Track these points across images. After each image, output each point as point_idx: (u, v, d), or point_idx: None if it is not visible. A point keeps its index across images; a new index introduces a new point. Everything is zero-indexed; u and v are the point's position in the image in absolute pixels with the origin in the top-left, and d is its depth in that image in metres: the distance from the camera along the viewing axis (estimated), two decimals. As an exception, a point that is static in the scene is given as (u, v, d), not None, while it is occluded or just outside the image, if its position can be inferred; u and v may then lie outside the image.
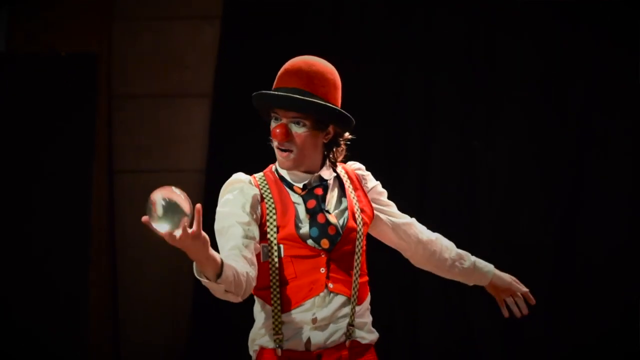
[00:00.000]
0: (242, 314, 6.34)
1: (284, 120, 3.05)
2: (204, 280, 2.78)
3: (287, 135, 3.04)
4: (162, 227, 2.62)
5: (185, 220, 2.62)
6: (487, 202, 6.08)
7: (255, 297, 3.10)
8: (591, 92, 5.99)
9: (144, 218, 2.61)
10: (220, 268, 2.75)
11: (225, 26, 6.37)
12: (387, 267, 5.78)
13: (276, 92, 3.05)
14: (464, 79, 6.10)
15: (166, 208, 2.61)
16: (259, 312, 3.09)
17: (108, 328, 6.40)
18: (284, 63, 3.20)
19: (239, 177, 3.10)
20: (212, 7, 6.41)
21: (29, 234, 6.16)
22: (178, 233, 2.62)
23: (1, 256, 6.09)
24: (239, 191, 3.05)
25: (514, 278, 3.45)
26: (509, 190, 6.07)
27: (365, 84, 6.12)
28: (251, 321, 3.13)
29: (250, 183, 3.08)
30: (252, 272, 2.92)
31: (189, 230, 2.63)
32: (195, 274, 2.77)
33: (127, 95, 6.49)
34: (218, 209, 3.05)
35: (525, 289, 3.44)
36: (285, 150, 3.06)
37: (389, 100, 6.17)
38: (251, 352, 3.12)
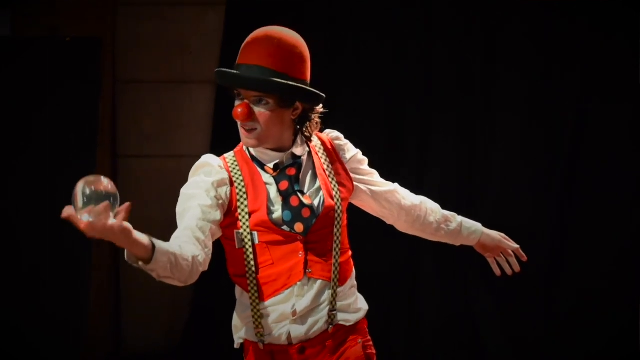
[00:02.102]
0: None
1: (245, 99, 2.87)
2: (137, 265, 2.58)
3: (249, 115, 2.85)
4: (83, 217, 2.40)
5: (105, 208, 2.41)
6: (483, 196, 6.10)
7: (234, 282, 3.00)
8: (590, 90, 6.00)
9: (65, 214, 2.39)
10: (151, 253, 2.55)
11: (230, 12, 6.37)
12: (382, 245, 5.80)
13: (236, 73, 2.87)
14: (462, 68, 6.11)
15: (89, 197, 2.41)
16: (239, 299, 2.97)
17: (107, 323, 6.42)
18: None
19: (209, 160, 2.92)
20: (217, -7, 6.42)
21: (30, 219, 6.15)
22: (99, 221, 2.39)
23: (1, 244, 6.10)
24: (205, 174, 2.88)
25: (503, 235, 3.31)
26: (505, 184, 6.08)
27: (364, 71, 6.13)
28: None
29: (220, 167, 2.90)
30: (202, 255, 2.74)
31: (108, 224, 2.40)
32: (126, 259, 2.58)
33: (131, 81, 6.50)
34: (182, 190, 2.88)
35: (515, 246, 3.31)
36: (249, 130, 2.87)
37: (387, 88, 6.17)
38: (235, 339, 3.00)
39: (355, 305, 3.01)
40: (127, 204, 2.44)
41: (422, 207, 3.20)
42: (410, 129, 6.14)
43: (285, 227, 2.88)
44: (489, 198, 6.08)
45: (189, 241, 2.73)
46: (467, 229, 3.25)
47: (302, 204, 2.89)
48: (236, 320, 2.99)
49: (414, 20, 6.13)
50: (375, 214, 3.19)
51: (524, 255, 3.31)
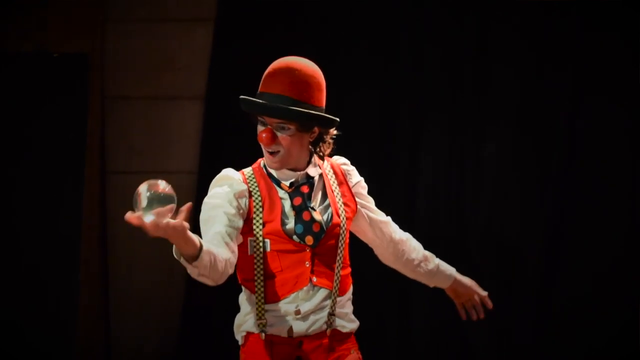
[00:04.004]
0: (232, 314, 6.33)
1: (269, 125, 3.18)
2: (181, 261, 2.90)
3: (273, 139, 3.17)
4: (147, 217, 2.70)
5: (170, 210, 2.72)
6: (477, 197, 6.08)
7: (242, 286, 3.27)
8: (589, 91, 5.99)
9: (128, 215, 2.73)
10: (198, 251, 2.88)
11: (218, 28, 6.37)
12: (372, 253, 5.79)
13: (260, 101, 3.18)
14: (454, 72, 6.10)
15: (151, 199, 2.70)
16: (245, 300, 3.25)
17: (99, 328, 6.40)
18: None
19: (229, 173, 3.23)
20: (205, 9, 6.41)
21: (20, 233, 6.16)
22: (161, 221, 2.72)
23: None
24: (227, 186, 3.19)
25: (473, 282, 3.60)
26: (499, 190, 6.07)
27: (354, 81, 6.13)
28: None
29: (240, 180, 3.21)
30: (232, 259, 3.06)
31: (171, 222, 2.73)
32: (174, 254, 2.89)
33: (119, 97, 6.49)
34: (205, 200, 3.18)
35: (484, 293, 3.61)
36: (272, 153, 3.19)
37: (378, 96, 6.17)
38: (237, 337, 3.28)
39: (350, 316, 3.30)
40: (188, 204, 2.78)
41: (408, 243, 3.50)
42: (403, 130, 6.12)
43: (295, 238, 3.19)
44: (483, 198, 6.05)
45: (221, 245, 3.05)
46: (442, 271, 3.55)
47: (313, 219, 3.21)
48: (239, 319, 3.27)
49: (413, 21, 6.11)
50: (367, 240, 3.48)
51: (490, 303, 3.60)
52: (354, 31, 6.19)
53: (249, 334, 3.23)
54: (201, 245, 2.89)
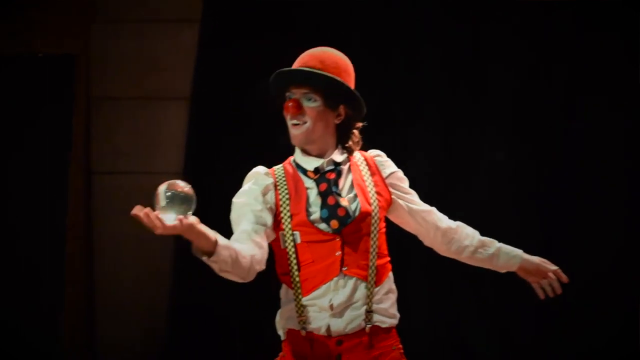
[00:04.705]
0: (219, 313, 6.32)
1: (296, 96, 3.21)
2: (202, 258, 2.91)
3: (299, 108, 3.20)
4: (167, 217, 2.75)
5: (188, 211, 2.77)
6: (475, 203, 6.08)
7: (281, 282, 3.27)
8: (589, 91, 6.00)
9: (140, 211, 2.77)
10: (214, 246, 2.88)
11: (205, 29, 6.37)
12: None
13: (289, 69, 3.22)
14: (453, 72, 6.11)
15: (171, 198, 2.75)
16: (284, 295, 3.25)
17: (84, 327, 6.41)
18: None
19: (257, 169, 3.27)
20: (192, 11, 6.41)
21: (4, 233, 6.16)
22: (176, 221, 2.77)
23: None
24: (253, 182, 3.22)
25: (542, 259, 3.50)
26: (498, 190, 6.08)
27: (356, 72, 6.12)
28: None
29: (267, 174, 3.24)
30: (259, 255, 3.07)
31: (184, 221, 2.78)
32: (193, 252, 2.90)
33: (105, 97, 6.49)
34: (233, 199, 3.20)
35: (555, 267, 3.50)
36: (297, 124, 3.22)
37: (377, 96, 6.17)
38: (279, 332, 3.28)
39: (391, 311, 3.29)
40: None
41: (458, 230, 3.44)
42: (402, 131, 6.13)
43: (322, 225, 3.19)
44: (482, 198, 6.05)
45: (246, 242, 3.07)
46: (505, 254, 3.47)
47: (337, 204, 3.19)
48: (279, 316, 3.28)
49: (412, 21, 6.10)
50: (411, 230, 3.44)
51: (564, 276, 3.49)
52: (353, 31, 6.19)
53: (290, 330, 3.23)
54: (217, 240, 2.89)
